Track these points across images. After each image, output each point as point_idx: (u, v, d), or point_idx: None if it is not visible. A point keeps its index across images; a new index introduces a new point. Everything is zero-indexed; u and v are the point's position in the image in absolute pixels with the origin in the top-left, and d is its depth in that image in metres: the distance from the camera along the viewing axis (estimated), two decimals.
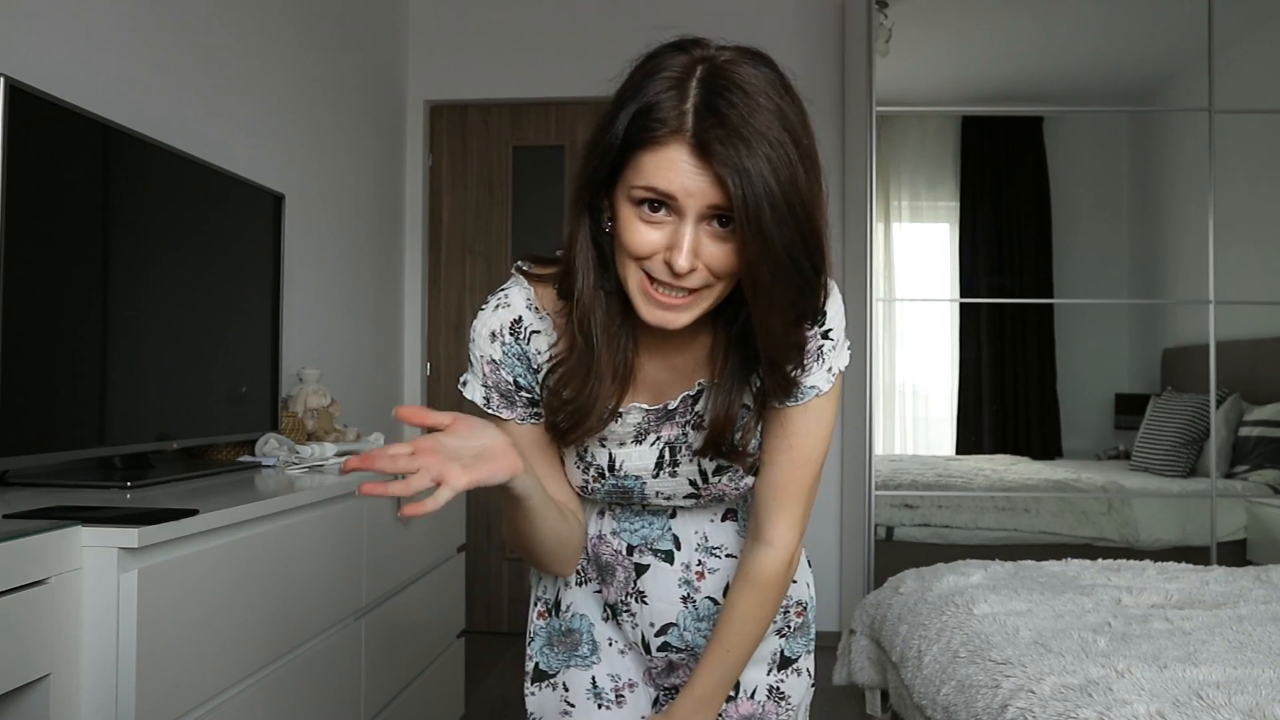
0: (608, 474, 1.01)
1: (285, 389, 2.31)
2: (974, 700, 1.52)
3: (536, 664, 1.13)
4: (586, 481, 1.02)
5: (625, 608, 1.08)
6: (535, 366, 0.97)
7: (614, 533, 1.07)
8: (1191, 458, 3.79)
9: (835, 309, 0.96)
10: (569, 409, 0.93)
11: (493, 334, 0.96)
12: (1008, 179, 5.23)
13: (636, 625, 1.08)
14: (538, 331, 0.96)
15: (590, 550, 1.09)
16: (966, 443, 5.15)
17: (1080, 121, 5.27)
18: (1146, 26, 4.03)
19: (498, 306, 0.96)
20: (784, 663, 1.12)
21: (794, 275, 0.82)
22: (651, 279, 0.84)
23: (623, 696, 1.10)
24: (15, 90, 1.34)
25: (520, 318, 0.96)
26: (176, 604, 1.25)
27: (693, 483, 1.01)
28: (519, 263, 0.98)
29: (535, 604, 1.14)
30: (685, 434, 0.99)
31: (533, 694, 1.13)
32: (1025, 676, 1.47)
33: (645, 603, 1.07)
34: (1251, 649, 1.54)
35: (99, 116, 1.56)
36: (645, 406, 0.98)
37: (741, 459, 0.98)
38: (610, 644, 1.11)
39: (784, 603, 1.10)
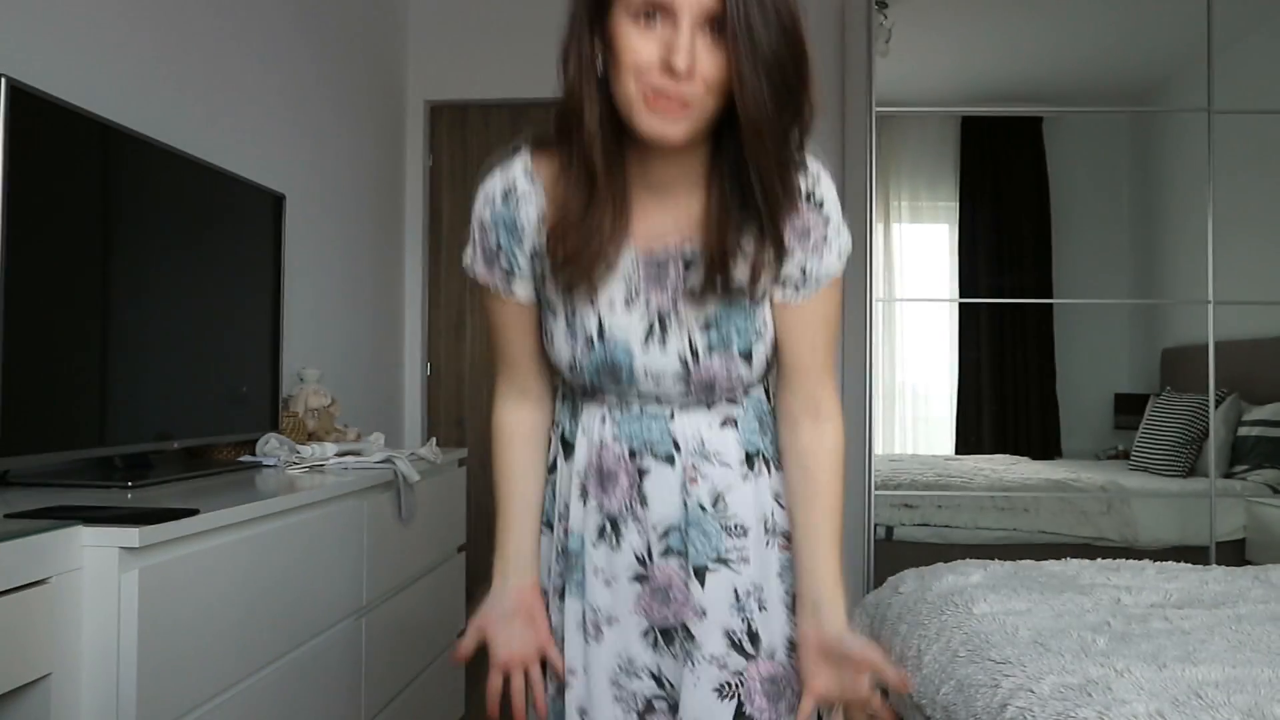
0: (595, 342, 1.02)
1: (286, 389, 2.31)
2: (973, 700, 1.52)
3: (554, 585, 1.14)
4: (575, 355, 1.03)
5: (630, 512, 1.07)
6: (522, 231, 1.02)
7: (615, 438, 1.06)
8: (1191, 457, 3.79)
9: (830, 192, 1.01)
10: (570, 251, 0.97)
11: (487, 197, 1.04)
12: (1007, 179, 5.23)
13: (642, 532, 1.06)
14: (529, 198, 1.02)
15: (595, 459, 1.08)
16: (966, 442, 5.16)
17: (1080, 122, 5.27)
18: (1146, 27, 4.03)
19: (497, 172, 1.04)
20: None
21: (777, 74, 0.88)
22: (650, 94, 0.88)
23: (600, 631, 1.07)
24: (17, 91, 1.35)
25: (514, 184, 1.02)
26: (177, 604, 1.25)
27: (683, 360, 1.01)
28: (523, 135, 1.06)
29: (547, 524, 1.15)
30: (675, 303, 1.01)
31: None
32: (1025, 676, 1.47)
33: (647, 506, 1.06)
34: (1250, 648, 1.54)
35: (100, 117, 1.56)
36: (637, 251, 1.01)
37: (751, 286, 1.00)
38: (596, 574, 1.08)
39: (771, 538, 1.08)
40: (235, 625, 1.39)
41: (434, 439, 2.49)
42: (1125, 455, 4.51)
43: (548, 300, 1.04)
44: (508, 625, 1.11)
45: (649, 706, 1.07)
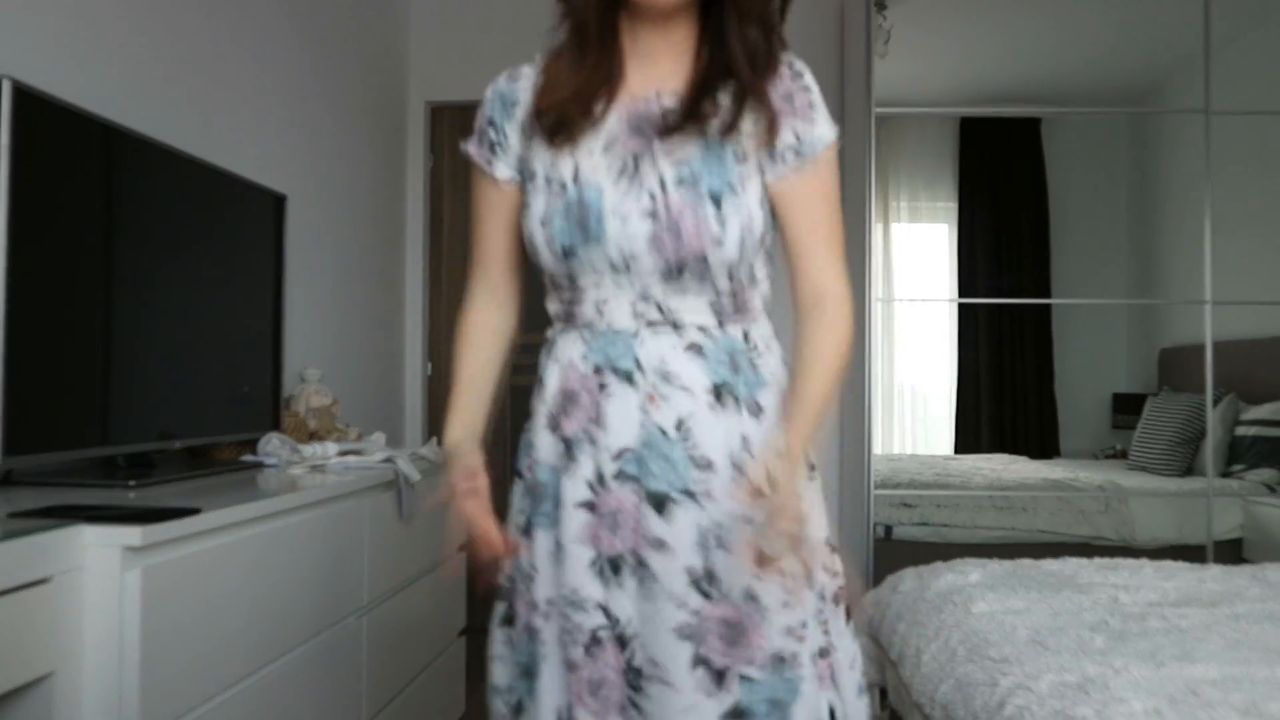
0: (570, 185, 1.06)
1: (287, 389, 2.31)
2: (972, 698, 1.53)
3: (516, 524, 1.17)
4: (548, 206, 1.07)
5: (587, 435, 1.07)
6: (515, 106, 1.13)
7: (584, 357, 1.09)
8: (1188, 457, 3.80)
9: (809, 74, 1.11)
10: (556, 99, 1.06)
11: (494, 80, 1.17)
12: (1006, 180, 5.23)
13: (596, 455, 1.06)
14: (530, 80, 1.13)
15: (563, 382, 1.10)
16: (965, 442, 5.16)
17: (1078, 122, 5.28)
18: (1144, 28, 4.03)
19: (509, 68, 1.17)
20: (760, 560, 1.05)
21: None
22: None
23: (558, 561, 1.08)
24: (20, 92, 1.35)
25: (521, 70, 1.15)
26: (179, 602, 1.26)
27: (652, 196, 1.04)
28: None
29: (518, 474, 1.17)
30: (651, 145, 1.06)
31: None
32: (1023, 674, 1.47)
33: (604, 427, 1.06)
34: (1247, 647, 1.55)
35: (102, 118, 1.57)
36: (624, 111, 1.08)
37: (724, 130, 1.05)
38: (560, 503, 1.08)
39: (739, 477, 1.05)
40: (237, 624, 1.40)
41: (435, 438, 2.49)
42: (1123, 455, 4.52)
43: (530, 172, 1.10)
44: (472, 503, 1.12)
45: (594, 639, 1.06)
